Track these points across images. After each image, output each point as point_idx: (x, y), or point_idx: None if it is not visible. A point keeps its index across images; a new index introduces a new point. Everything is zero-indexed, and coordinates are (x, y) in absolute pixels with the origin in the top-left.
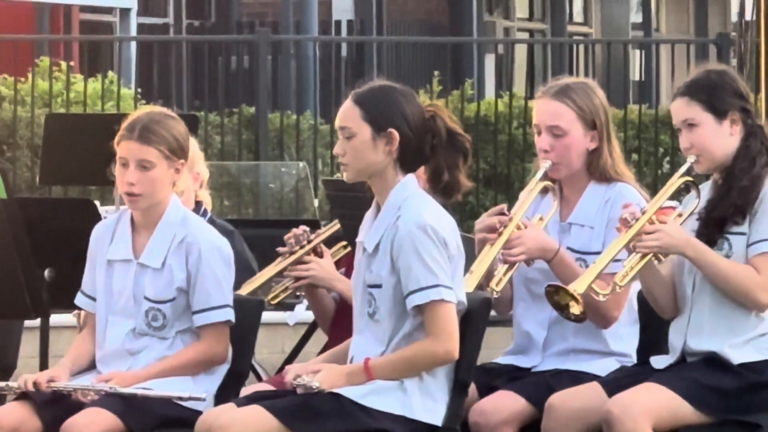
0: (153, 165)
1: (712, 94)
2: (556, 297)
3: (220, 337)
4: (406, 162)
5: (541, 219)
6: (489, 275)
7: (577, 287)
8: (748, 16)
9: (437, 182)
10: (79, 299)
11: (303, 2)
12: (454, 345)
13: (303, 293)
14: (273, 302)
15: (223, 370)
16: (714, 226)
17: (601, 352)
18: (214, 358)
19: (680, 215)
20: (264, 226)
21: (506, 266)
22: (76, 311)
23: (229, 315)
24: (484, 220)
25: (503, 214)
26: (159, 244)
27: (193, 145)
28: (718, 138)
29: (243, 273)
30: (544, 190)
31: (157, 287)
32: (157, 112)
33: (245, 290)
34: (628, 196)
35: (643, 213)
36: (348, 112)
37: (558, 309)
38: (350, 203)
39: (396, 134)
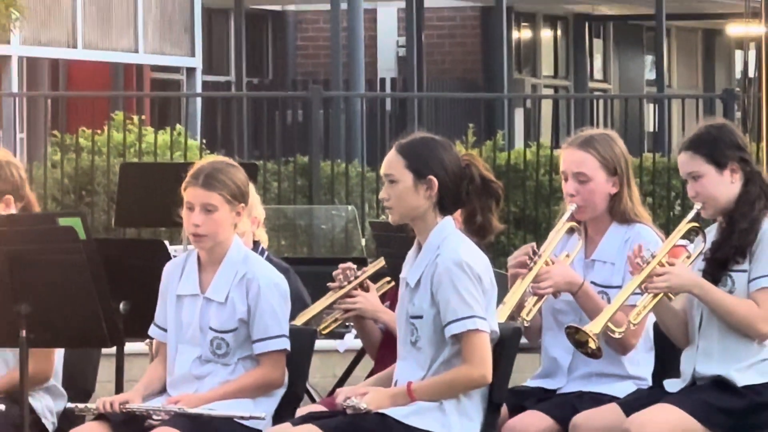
0: (216, 208)
1: (713, 148)
2: (576, 336)
3: (277, 364)
4: (445, 206)
5: (567, 256)
6: (520, 306)
7: (593, 328)
8: (751, 74)
9: (472, 224)
10: (152, 330)
11: (351, 62)
12: (488, 370)
13: (352, 323)
14: (324, 332)
15: (281, 392)
16: (718, 266)
17: (620, 375)
18: (272, 382)
19: (688, 257)
20: (316, 263)
21: (536, 298)
22: (148, 340)
23: (286, 344)
24: (516, 256)
25: (533, 252)
26: (223, 281)
27: (252, 191)
28: (720, 187)
29: (297, 305)
30: (570, 231)
31: (220, 319)
32: (220, 161)
33: (300, 321)
34: (645, 236)
35: (653, 257)
36: (392, 161)
37: (577, 346)
38: (394, 243)
39: (435, 181)
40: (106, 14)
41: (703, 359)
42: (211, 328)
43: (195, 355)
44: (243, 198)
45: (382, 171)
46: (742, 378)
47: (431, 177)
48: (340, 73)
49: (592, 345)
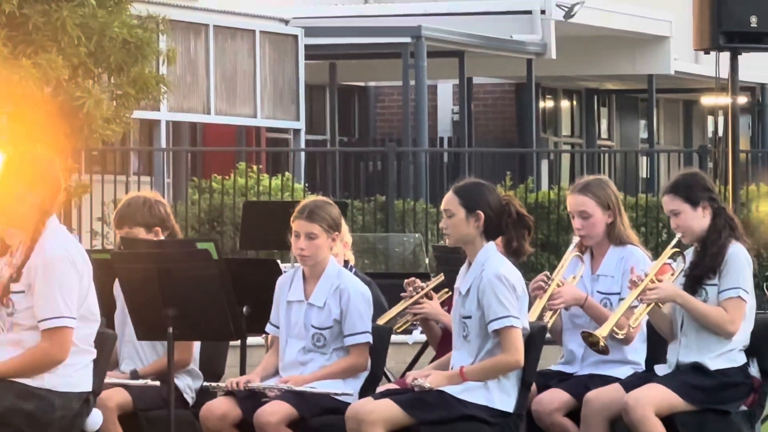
0: (317, 236)
1: (688, 191)
2: (590, 338)
3: (362, 353)
4: (489, 234)
5: (573, 278)
6: (540, 318)
7: (602, 332)
8: (719, 134)
9: (510, 247)
10: (268, 327)
11: (417, 125)
12: (521, 357)
13: (418, 323)
14: (399, 330)
15: (364, 375)
16: (695, 281)
17: (621, 361)
18: (359, 367)
19: (672, 274)
20: (392, 277)
21: (551, 311)
22: (264, 335)
23: (369, 338)
24: (535, 281)
25: (547, 278)
26: (322, 290)
27: (343, 222)
28: (695, 220)
29: (378, 309)
30: (577, 257)
31: (320, 319)
32: (320, 199)
33: (381, 321)
34: (636, 255)
35: (646, 275)
36: (450, 200)
37: (590, 345)
38: (450, 261)
39: (482, 215)
40: (233, 89)
41: (684, 350)
42: (312, 326)
43: (300, 346)
44: (337, 228)
45: (442, 207)
46: (713, 364)
47: (479, 212)
48: (409, 133)
49: (602, 344)
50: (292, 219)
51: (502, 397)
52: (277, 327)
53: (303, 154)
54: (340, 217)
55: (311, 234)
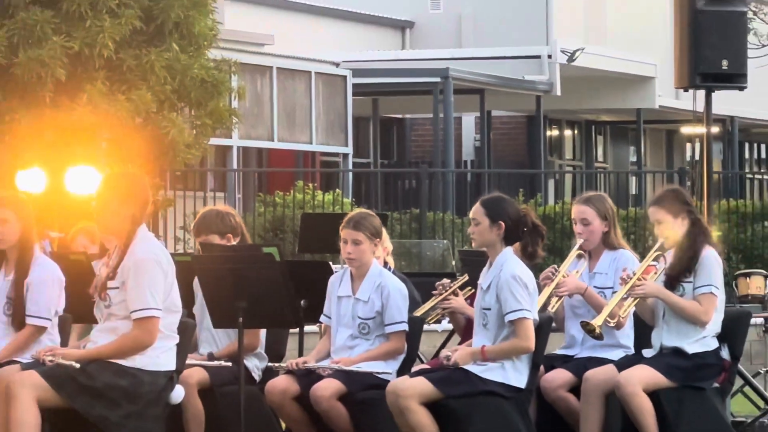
0: (361, 242)
1: (670, 204)
2: (587, 327)
3: (400, 339)
4: (508, 240)
5: (576, 272)
6: (546, 304)
7: (597, 322)
8: (696, 157)
9: (525, 251)
10: (322, 317)
11: (446, 150)
12: (532, 343)
13: (447, 315)
14: (431, 321)
15: (402, 357)
16: (674, 279)
17: (614, 345)
18: (397, 351)
19: (656, 273)
20: (424, 277)
21: (557, 298)
22: (318, 324)
23: (406, 327)
24: (544, 273)
25: (554, 270)
26: (366, 287)
27: (384, 231)
28: (674, 228)
29: (413, 303)
30: (579, 256)
31: (365, 311)
32: (364, 212)
33: (416, 314)
34: (626, 257)
35: (634, 274)
36: (477, 210)
37: (588, 332)
38: (473, 264)
39: (503, 225)
40: (292, 120)
41: (666, 336)
42: (358, 317)
43: (348, 333)
44: (379, 235)
45: (470, 215)
46: (690, 348)
47: (501, 222)
48: (439, 157)
49: (597, 331)
50: (341, 228)
51: (516, 375)
52: (329, 317)
53: (350, 174)
54: (381, 226)
55: (357, 240)
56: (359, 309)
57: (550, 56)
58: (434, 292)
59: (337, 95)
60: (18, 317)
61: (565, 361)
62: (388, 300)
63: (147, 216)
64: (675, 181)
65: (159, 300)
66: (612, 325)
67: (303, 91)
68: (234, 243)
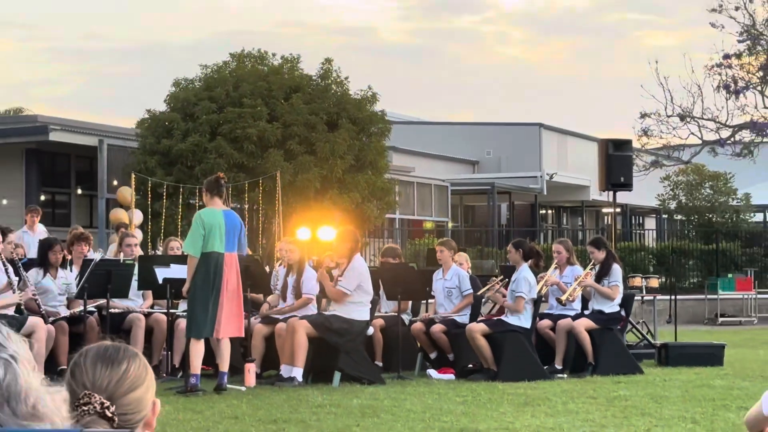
0: (444, 251)
1: (598, 244)
2: (559, 300)
3: (468, 299)
4: (525, 258)
5: (554, 275)
6: (540, 290)
7: (563, 298)
8: (609, 221)
9: (535, 265)
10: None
11: (492, 221)
12: (521, 308)
13: (491, 297)
14: (485, 296)
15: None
16: (598, 279)
17: (571, 309)
18: (469, 304)
19: (591, 275)
20: (483, 277)
21: (545, 286)
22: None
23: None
24: (540, 276)
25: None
26: (450, 275)
27: (464, 253)
28: (599, 255)
29: (476, 288)
30: (555, 268)
31: (449, 285)
32: (450, 240)
33: (479, 293)
34: (578, 269)
35: (582, 276)
36: (510, 246)
37: (558, 302)
38: (507, 271)
39: (522, 251)
40: (423, 205)
41: (596, 303)
42: (445, 287)
43: (442, 298)
44: (455, 250)
45: (508, 248)
46: (607, 310)
47: (521, 249)
48: (494, 226)
49: (564, 302)
50: (436, 246)
51: (525, 321)
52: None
53: (449, 232)
54: (457, 246)
55: (442, 250)
56: (445, 284)
57: (541, 176)
58: (488, 283)
59: (443, 195)
60: (298, 294)
61: (548, 316)
62: (461, 281)
63: (358, 248)
64: (600, 233)
65: (355, 285)
66: (571, 299)
67: (427, 192)
68: (396, 262)
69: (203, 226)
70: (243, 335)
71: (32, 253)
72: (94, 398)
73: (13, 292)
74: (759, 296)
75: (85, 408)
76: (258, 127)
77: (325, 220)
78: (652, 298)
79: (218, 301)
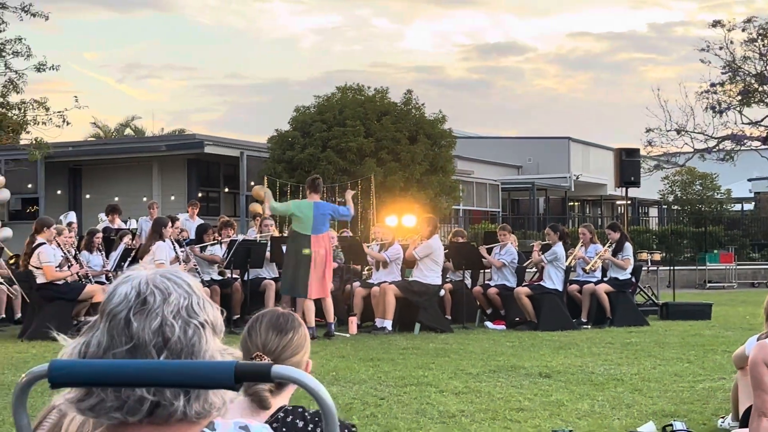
0: (506, 234)
1: (614, 227)
2: (585, 268)
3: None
4: (560, 238)
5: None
6: (571, 262)
7: (588, 267)
8: (622, 210)
9: (565, 243)
10: None
11: (532, 213)
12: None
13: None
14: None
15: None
16: (614, 254)
17: (593, 276)
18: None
19: (609, 250)
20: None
21: (573, 259)
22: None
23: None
24: (570, 251)
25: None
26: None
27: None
28: (615, 236)
29: (521, 259)
30: (582, 245)
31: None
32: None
33: (524, 265)
34: (598, 246)
35: (603, 252)
36: (548, 229)
37: (584, 271)
38: (545, 247)
39: (558, 233)
40: (480, 197)
41: (611, 272)
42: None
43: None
44: (510, 231)
45: (545, 231)
46: (621, 277)
47: (558, 232)
48: (533, 215)
49: (587, 270)
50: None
51: (558, 284)
52: None
53: (501, 218)
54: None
55: (504, 234)
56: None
57: (569, 177)
58: (534, 248)
59: (495, 192)
60: (385, 264)
61: (575, 282)
62: (513, 255)
63: (436, 230)
64: (615, 220)
65: (423, 254)
66: (594, 268)
67: (483, 189)
68: (462, 241)
69: (292, 207)
70: (328, 296)
71: (192, 235)
72: (263, 359)
73: (179, 264)
74: (738, 267)
75: None
76: (357, 141)
77: (407, 211)
78: (655, 268)
79: (308, 270)
